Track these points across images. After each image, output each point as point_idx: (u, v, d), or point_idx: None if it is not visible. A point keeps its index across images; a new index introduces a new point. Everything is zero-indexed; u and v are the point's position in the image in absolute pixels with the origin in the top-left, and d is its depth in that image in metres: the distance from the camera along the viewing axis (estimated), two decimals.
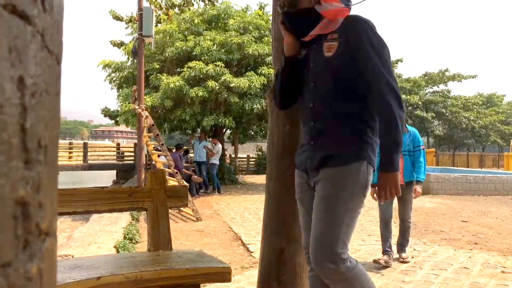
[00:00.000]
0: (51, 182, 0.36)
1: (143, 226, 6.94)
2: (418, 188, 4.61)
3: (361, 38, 1.85)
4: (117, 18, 17.27)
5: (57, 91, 0.36)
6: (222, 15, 14.80)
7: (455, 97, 35.77)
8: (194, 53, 13.33)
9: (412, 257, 4.91)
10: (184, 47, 13.51)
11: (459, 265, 4.56)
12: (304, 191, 2.14)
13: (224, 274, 2.43)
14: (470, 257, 4.96)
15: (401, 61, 33.68)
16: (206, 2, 16.35)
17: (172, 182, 8.54)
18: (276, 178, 2.63)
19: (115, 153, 24.21)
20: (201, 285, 2.56)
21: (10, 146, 0.29)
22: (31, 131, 0.31)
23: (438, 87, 35.95)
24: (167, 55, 13.71)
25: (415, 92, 33.01)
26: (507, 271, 4.34)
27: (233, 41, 13.23)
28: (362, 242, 5.76)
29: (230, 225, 7.09)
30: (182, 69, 13.41)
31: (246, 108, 13.04)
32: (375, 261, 4.55)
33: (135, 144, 19.54)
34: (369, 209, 8.95)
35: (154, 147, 10.50)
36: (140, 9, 10.35)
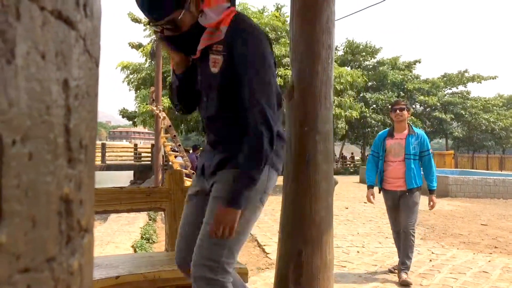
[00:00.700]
0: (90, 180, 0.37)
1: (159, 226, 7.00)
2: (434, 199, 4.26)
3: (240, 53, 1.67)
4: (136, 20, 17.44)
5: (96, 93, 0.37)
6: None
7: (475, 99, 35.25)
8: None
9: (430, 261, 4.86)
10: None
11: (478, 269, 4.49)
12: (194, 195, 1.95)
13: (241, 275, 2.44)
14: (489, 261, 4.88)
15: (419, 62, 33.38)
16: None
17: (189, 183, 8.59)
18: (293, 180, 2.63)
19: (132, 153, 24.46)
20: None
21: (56, 146, 0.31)
22: (74, 131, 0.33)
23: (457, 88, 35.49)
24: None
25: (434, 94, 32.61)
26: None
27: None
28: (379, 244, 5.72)
29: None
30: None
31: None
32: (390, 271, 4.38)
33: (152, 145, 19.70)
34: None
35: (171, 148, 10.58)
36: None
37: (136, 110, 15.85)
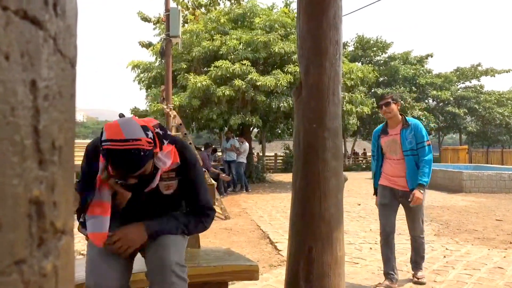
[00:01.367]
0: (66, 182, 0.37)
1: None
2: (418, 193, 3.57)
3: (191, 176, 2.05)
4: (145, 19, 17.52)
5: (72, 94, 0.37)
6: (248, 14, 14.83)
7: (489, 92, 34.73)
8: (221, 53, 13.41)
9: (444, 257, 4.81)
10: (210, 47, 13.60)
11: (493, 265, 4.43)
12: None
13: (251, 272, 2.44)
14: (504, 256, 4.81)
15: (431, 56, 32.97)
16: (232, 1, 16.41)
17: None
18: (302, 177, 2.62)
19: None
20: (229, 282, 2.58)
21: (23, 148, 0.30)
22: (44, 132, 0.32)
23: (471, 82, 35.00)
24: (194, 54, 13.84)
25: (446, 88, 32.22)
26: None
27: (259, 39, 13.24)
28: None
29: (258, 224, 7.11)
30: (209, 69, 13.50)
31: (273, 106, 13.05)
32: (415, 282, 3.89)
33: None
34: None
35: None
36: (167, 10, 10.46)
37: (147, 109, 15.93)
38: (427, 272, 4.14)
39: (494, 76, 32.95)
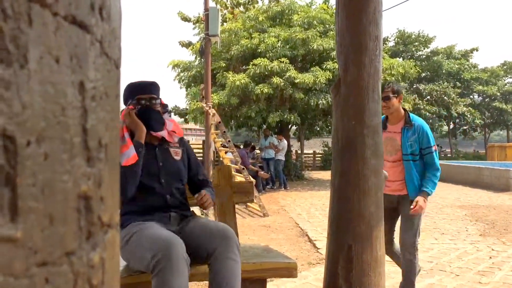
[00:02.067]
0: (112, 178, 0.39)
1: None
2: (422, 201, 3.09)
3: (191, 151, 2.59)
4: (185, 19, 17.81)
5: (117, 94, 0.39)
6: (286, 11, 14.78)
7: None
8: (259, 50, 13.44)
9: (490, 258, 4.64)
10: (249, 45, 13.66)
11: None
12: None
13: (290, 270, 2.45)
14: None
15: (477, 50, 31.80)
16: None
17: (239, 178, 8.69)
18: (341, 174, 2.59)
19: None
20: (268, 280, 2.59)
21: (72, 146, 0.32)
22: (92, 131, 0.34)
23: None
24: (232, 53, 13.94)
25: (493, 83, 31.03)
26: None
27: (298, 36, 13.18)
28: (435, 241, 5.54)
29: (296, 221, 7.10)
30: (247, 67, 13.57)
31: (311, 103, 12.97)
32: None
33: (203, 141, 20.07)
34: (442, 207, 8.58)
35: (221, 144, 10.73)
36: (206, 9, 10.59)
37: (187, 107, 16.20)
38: (471, 273, 4.02)
39: None
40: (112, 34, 0.37)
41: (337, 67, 2.75)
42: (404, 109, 3.32)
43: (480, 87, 30.16)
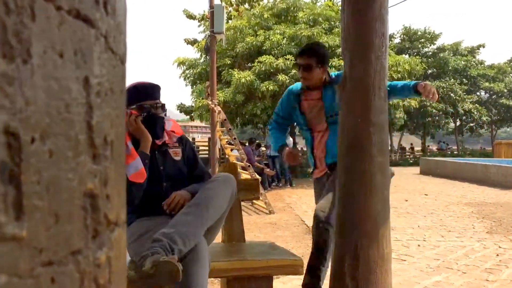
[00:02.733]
0: (118, 175, 0.38)
1: None
2: (429, 85, 2.66)
3: (190, 148, 2.52)
4: (190, 16, 17.81)
5: (122, 90, 0.38)
6: (292, 8, 14.74)
7: None
8: (264, 48, 13.42)
9: (497, 255, 4.61)
10: (254, 42, 13.64)
11: None
12: None
13: (296, 267, 2.44)
14: None
15: (483, 47, 31.58)
16: None
17: (244, 175, 8.69)
18: (347, 173, 2.58)
19: None
20: (274, 277, 2.59)
21: (77, 143, 0.32)
22: (97, 128, 0.34)
23: None
24: (238, 50, 13.94)
25: (500, 79, 30.81)
26: None
27: (303, 34, 13.15)
28: (441, 238, 5.51)
29: (302, 218, 7.08)
30: (252, 64, 13.57)
31: None
32: None
33: (209, 138, 20.11)
34: (448, 204, 8.53)
35: (227, 141, 10.73)
36: (211, 7, 10.59)
37: (193, 104, 16.24)
38: (478, 271, 3.99)
39: None
40: (117, 29, 0.37)
41: (342, 64, 2.65)
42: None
43: (487, 84, 29.96)
